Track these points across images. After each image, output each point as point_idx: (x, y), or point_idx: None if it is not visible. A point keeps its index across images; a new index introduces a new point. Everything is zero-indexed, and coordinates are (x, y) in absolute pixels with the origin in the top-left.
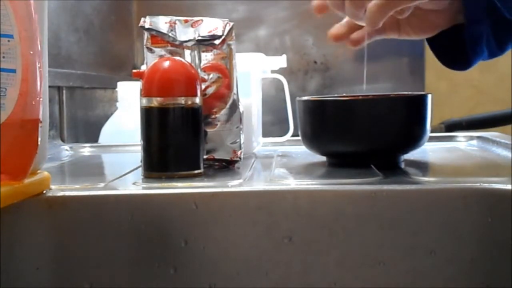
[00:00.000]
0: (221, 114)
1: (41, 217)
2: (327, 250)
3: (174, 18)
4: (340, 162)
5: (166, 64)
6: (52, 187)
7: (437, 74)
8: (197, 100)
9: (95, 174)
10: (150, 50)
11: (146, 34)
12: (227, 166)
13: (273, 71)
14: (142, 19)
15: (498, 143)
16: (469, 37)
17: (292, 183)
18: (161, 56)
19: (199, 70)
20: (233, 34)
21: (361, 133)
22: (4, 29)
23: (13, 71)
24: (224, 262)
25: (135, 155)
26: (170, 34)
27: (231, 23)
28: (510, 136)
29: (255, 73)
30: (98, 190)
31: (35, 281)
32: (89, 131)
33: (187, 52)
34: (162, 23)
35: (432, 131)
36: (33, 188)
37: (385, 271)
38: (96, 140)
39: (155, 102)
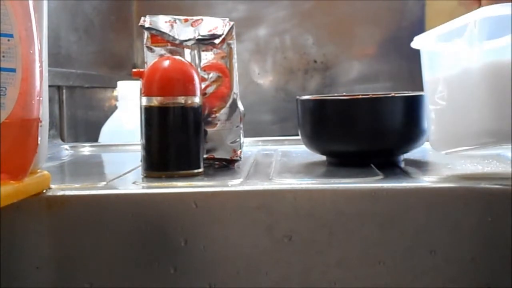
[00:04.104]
0: (221, 113)
1: (41, 216)
2: (327, 250)
3: (174, 17)
4: (340, 162)
5: (166, 63)
6: (52, 186)
7: None
8: (197, 99)
9: (95, 173)
10: (150, 49)
11: (146, 34)
12: (227, 166)
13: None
14: (142, 18)
15: None
16: None
17: (292, 183)
18: (161, 56)
19: (199, 69)
20: (233, 33)
21: (361, 133)
22: (4, 29)
23: (13, 70)
24: (224, 261)
25: (135, 155)
26: (170, 33)
27: (231, 23)
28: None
29: None
30: (98, 190)
31: (35, 281)
32: (89, 130)
33: (187, 52)
34: (162, 22)
35: None
36: (33, 187)
37: (385, 270)
38: (96, 140)
39: (155, 101)
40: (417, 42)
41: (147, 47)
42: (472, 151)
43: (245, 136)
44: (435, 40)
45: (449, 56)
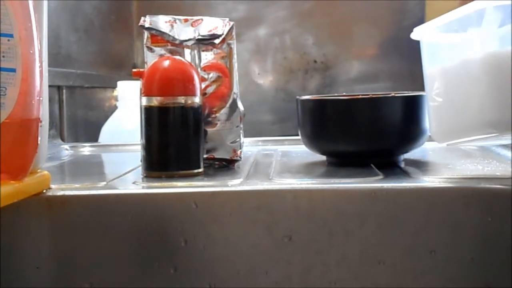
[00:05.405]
0: (221, 113)
1: (41, 216)
2: (327, 250)
3: (174, 17)
4: (340, 162)
5: (166, 63)
6: (52, 186)
7: None
8: (197, 99)
9: (95, 173)
10: (150, 49)
11: (146, 34)
12: (227, 166)
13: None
14: (142, 18)
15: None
16: None
17: (292, 183)
18: (161, 55)
19: (199, 69)
20: (233, 33)
21: (361, 133)
22: (4, 29)
23: (13, 70)
24: (224, 261)
25: (135, 155)
26: (170, 33)
27: (231, 23)
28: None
29: None
30: (98, 190)
31: (35, 281)
32: (89, 130)
33: (187, 51)
34: (162, 22)
35: None
36: (33, 187)
37: (385, 270)
38: (96, 140)
39: (155, 101)
40: (417, 33)
41: (147, 47)
42: (473, 142)
43: (245, 136)
44: (436, 30)
45: (449, 47)
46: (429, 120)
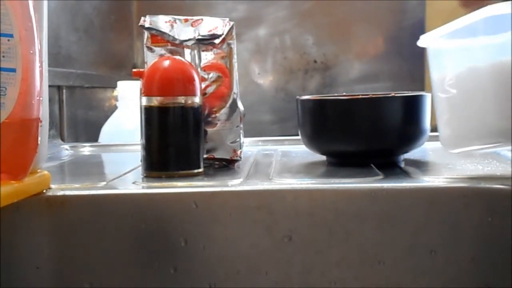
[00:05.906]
0: (221, 113)
1: (41, 216)
2: (327, 250)
3: (174, 17)
4: (340, 162)
5: (166, 63)
6: (52, 186)
7: None
8: (197, 99)
9: (95, 173)
10: (150, 49)
11: (146, 33)
12: (227, 166)
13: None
14: (142, 18)
15: None
16: None
17: (292, 183)
18: (161, 55)
19: (199, 69)
20: (233, 33)
21: (361, 133)
22: (4, 29)
23: (13, 70)
24: (224, 261)
25: (135, 155)
26: (170, 33)
27: (231, 22)
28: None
29: None
30: (98, 190)
31: (35, 281)
32: (89, 130)
33: (187, 52)
34: (162, 22)
35: (432, 131)
36: (33, 187)
37: (385, 270)
38: (96, 140)
39: (155, 101)
40: (423, 41)
41: (147, 47)
42: (483, 150)
43: (245, 136)
44: (443, 38)
45: (456, 54)
46: (438, 128)
